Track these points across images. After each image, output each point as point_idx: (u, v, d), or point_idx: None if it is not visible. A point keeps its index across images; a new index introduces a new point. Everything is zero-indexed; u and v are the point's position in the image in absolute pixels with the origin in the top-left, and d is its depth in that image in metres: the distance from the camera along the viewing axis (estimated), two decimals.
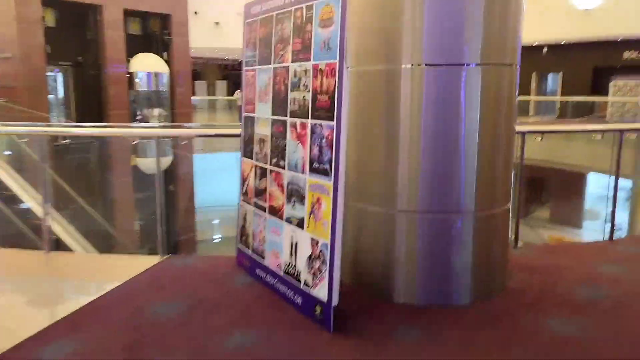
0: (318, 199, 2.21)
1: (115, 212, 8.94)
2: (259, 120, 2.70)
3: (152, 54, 12.82)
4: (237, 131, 3.02)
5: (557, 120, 15.63)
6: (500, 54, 2.40)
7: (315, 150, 2.21)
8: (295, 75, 2.35)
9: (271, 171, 2.58)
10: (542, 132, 5.57)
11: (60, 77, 11.78)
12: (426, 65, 2.39)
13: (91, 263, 3.52)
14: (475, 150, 2.40)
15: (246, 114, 2.85)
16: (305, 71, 2.26)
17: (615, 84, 16.33)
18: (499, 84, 2.43)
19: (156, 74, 12.64)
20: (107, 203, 8.77)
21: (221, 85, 26.87)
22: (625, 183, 6.03)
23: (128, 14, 12.16)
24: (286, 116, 2.42)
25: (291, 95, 2.38)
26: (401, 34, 2.35)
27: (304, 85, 2.28)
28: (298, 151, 2.34)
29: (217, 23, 18.23)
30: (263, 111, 2.65)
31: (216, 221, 11.96)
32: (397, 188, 2.43)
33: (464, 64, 2.35)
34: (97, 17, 11.57)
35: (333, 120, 2.09)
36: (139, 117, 12.37)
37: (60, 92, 11.89)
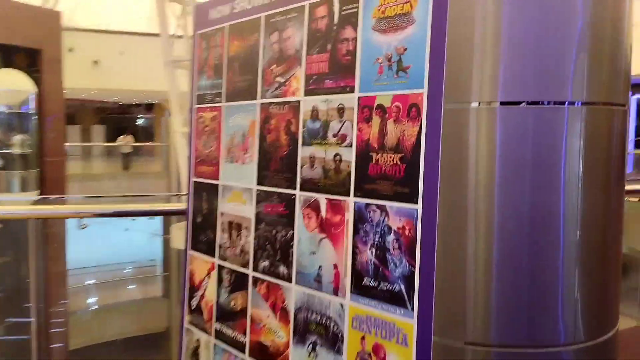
0: (375, 348, 1.17)
1: None
2: (227, 192, 1.61)
3: (14, 69, 10.63)
4: (161, 206, 1.90)
5: None
6: (610, 91, 1.61)
7: (368, 254, 1.19)
8: (314, 117, 1.33)
9: (258, 281, 1.49)
10: None
11: None
12: (501, 104, 1.53)
13: None
14: (578, 238, 1.55)
15: (198, 180, 1.74)
16: (340, 110, 1.26)
17: None
18: (609, 131, 1.63)
19: (19, 92, 10.35)
20: None
21: (98, 130, 24.32)
22: None
23: None
24: (293, 187, 1.38)
25: (304, 151, 1.35)
26: (471, 63, 1.48)
27: (334, 134, 1.27)
28: (323, 252, 1.30)
29: (95, 62, 16.34)
30: (236, 176, 1.58)
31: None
32: (464, 309, 1.49)
33: (564, 103, 1.53)
34: None
35: (414, 202, 1.10)
36: None
37: None
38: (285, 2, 1.41)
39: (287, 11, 1.40)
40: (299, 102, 1.37)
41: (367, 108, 1.20)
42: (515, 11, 1.51)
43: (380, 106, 1.17)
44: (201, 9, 1.75)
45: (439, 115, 1.07)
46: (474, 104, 1.52)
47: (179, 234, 5.32)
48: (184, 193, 1.92)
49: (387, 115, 1.16)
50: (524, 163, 1.54)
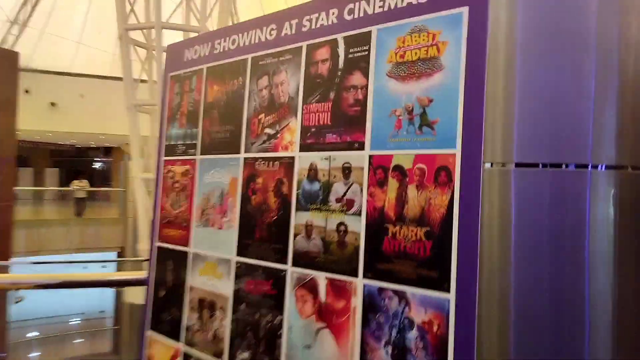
0: None
1: None
2: (199, 262, 1.34)
3: None
4: (116, 276, 1.58)
5: None
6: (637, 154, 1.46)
7: (382, 354, 0.94)
8: (312, 176, 1.10)
9: None
10: None
11: None
12: (517, 165, 1.35)
13: None
14: (608, 325, 1.34)
15: (163, 245, 1.46)
16: (346, 169, 1.04)
17: None
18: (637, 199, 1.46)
19: None
20: None
21: (51, 174, 23.32)
22: None
23: None
24: (284, 262, 1.13)
25: (299, 217, 1.12)
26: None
27: (338, 199, 1.05)
28: (322, 347, 1.04)
29: (53, 104, 15.80)
30: (210, 244, 1.32)
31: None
32: None
33: (587, 166, 1.36)
34: None
35: (445, 290, 0.88)
36: None
37: None
38: (277, 42, 1.21)
39: (280, 53, 1.20)
40: (293, 158, 1.14)
41: (380, 169, 0.99)
42: (530, 65, 1.35)
43: (398, 167, 0.96)
44: (175, 48, 1.53)
45: (477, 181, 0.86)
46: (487, 165, 1.34)
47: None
48: (144, 259, 1.63)
49: (407, 179, 0.95)
50: (541, 234, 1.35)
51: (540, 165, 1.36)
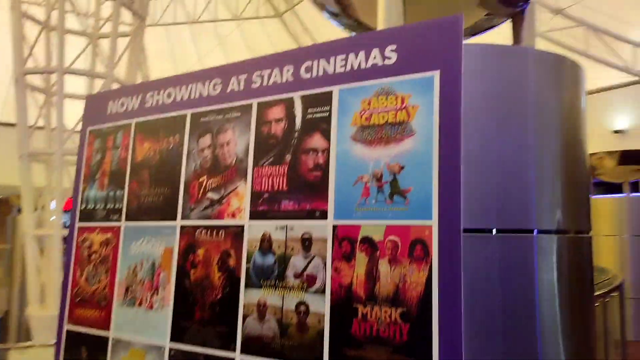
0: None
1: None
2: (121, 349, 1.14)
3: None
4: None
5: None
6: (576, 220, 1.49)
7: None
8: (265, 248, 0.98)
9: None
10: None
11: None
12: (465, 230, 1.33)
13: None
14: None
15: (74, 329, 1.23)
16: (306, 241, 0.93)
17: None
18: (579, 260, 1.48)
19: None
20: None
21: None
22: None
23: None
24: (230, 348, 0.97)
25: (249, 295, 0.98)
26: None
27: (297, 274, 0.93)
28: None
29: None
30: (136, 327, 1.12)
31: None
32: None
33: (532, 231, 1.37)
34: None
35: None
36: None
37: None
38: (222, 97, 1.10)
39: (225, 110, 1.09)
40: (242, 226, 1.01)
41: (346, 240, 0.89)
42: (479, 131, 1.36)
43: (367, 239, 0.87)
44: (96, 99, 1.36)
45: (457, 254, 0.79)
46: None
47: None
48: (49, 344, 1.38)
49: (378, 253, 0.86)
50: (494, 297, 1.32)
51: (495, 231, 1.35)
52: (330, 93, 0.95)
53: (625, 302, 3.04)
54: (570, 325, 1.34)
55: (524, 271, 1.32)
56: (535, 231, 1.36)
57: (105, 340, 1.16)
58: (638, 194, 5.48)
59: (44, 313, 5.16)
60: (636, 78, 6.84)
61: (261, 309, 0.96)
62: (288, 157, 0.98)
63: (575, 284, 1.40)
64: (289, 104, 1.00)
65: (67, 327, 1.25)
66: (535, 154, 1.35)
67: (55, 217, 5.52)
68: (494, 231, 1.31)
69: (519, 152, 1.36)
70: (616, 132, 7.01)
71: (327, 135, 0.94)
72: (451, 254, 0.79)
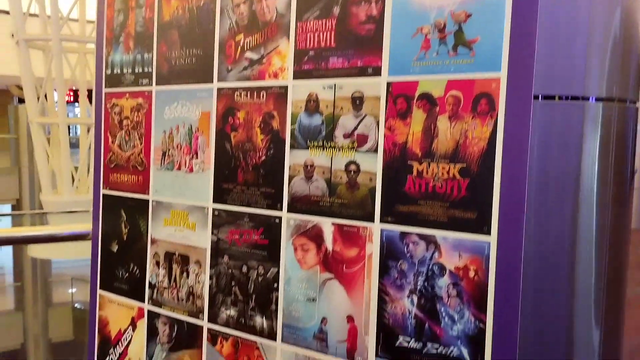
0: None
1: None
2: (162, 211, 1.15)
3: None
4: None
5: None
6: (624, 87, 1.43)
7: (406, 303, 0.85)
8: (311, 109, 0.94)
9: (218, 336, 1.06)
10: None
11: None
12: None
13: None
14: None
15: (111, 193, 1.24)
16: (357, 100, 0.89)
17: None
18: (624, 131, 1.45)
19: None
20: None
21: None
22: None
23: None
24: (277, 207, 0.98)
25: (295, 156, 0.96)
26: None
27: (347, 134, 0.90)
28: (329, 299, 0.92)
29: None
30: (176, 190, 1.12)
31: None
32: None
33: (579, 98, 1.32)
34: None
35: (484, 232, 0.78)
36: None
37: None
38: None
39: None
40: (285, 87, 0.96)
41: (402, 98, 0.85)
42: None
43: (425, 95, 0.83)
44: None
45: (526, 110, 0.75)
46: None
47: None
48: (82, 210, 1.40)
49: (437, 109, 0.82)
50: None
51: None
52: None
53: None
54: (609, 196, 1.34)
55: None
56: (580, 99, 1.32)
57: (144, 202, 1.17)
58: None
59: (57, 199, 5.29)
60: None
61: (308, 170, 0.94)
62: (336, 10, 0.91)
63: (617, 157, 1.38)
64: None
65: (103, 192, 1.25)
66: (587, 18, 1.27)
67: (59, 106, 5.42)
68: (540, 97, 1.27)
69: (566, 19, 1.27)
70: None
71: None
72: (520, 107, 0.76)
